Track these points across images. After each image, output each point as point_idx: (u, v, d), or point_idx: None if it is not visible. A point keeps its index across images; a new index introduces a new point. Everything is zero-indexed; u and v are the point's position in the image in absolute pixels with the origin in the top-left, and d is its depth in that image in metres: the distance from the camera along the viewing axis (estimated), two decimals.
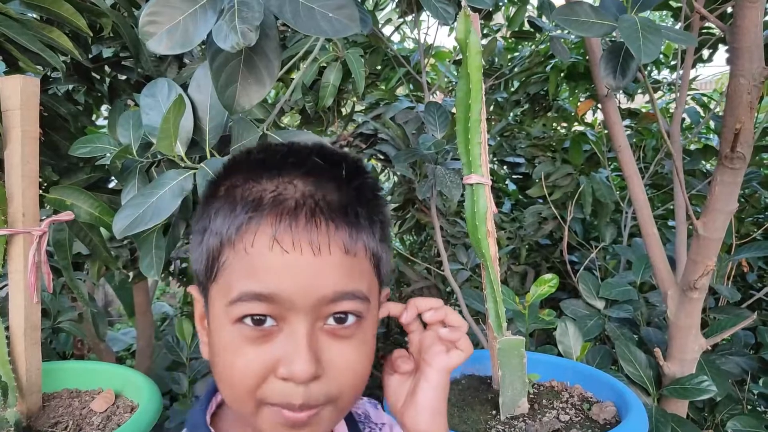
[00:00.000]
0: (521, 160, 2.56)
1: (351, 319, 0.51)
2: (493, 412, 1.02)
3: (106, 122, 2.09)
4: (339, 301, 0.49)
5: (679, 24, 1.56)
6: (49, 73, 1.36)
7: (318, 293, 0.48)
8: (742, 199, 2.20)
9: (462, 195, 1.38)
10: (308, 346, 0.48)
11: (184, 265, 3.01)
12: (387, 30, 2.65)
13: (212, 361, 0.53)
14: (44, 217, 1.06)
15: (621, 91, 2.34)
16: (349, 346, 0.51)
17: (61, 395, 1.07)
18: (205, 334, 0.56)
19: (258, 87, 0.79)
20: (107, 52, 1.54)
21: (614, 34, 1.72)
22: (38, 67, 1.17)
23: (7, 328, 0.99)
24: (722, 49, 2.17)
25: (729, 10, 1.62)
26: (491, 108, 2.66)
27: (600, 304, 1.62)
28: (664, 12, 2.89)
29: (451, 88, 2.82)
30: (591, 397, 1.06)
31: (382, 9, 2.42)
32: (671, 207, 2.22)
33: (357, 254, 0.51)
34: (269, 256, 0.48)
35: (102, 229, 1.30)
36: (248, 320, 0.49)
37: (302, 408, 0.49)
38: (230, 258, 0.50)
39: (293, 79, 1.64)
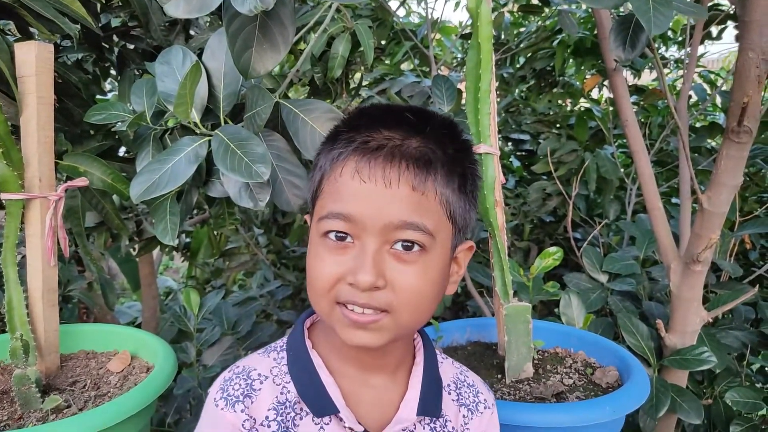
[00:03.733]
0: (526, 137, 2.57)
1: (415, 248, 0.60)
2: (499, 376, 1.05)
3: (110, 95, 2.10)
4: (404, 230, 0.59)
5: None
6: (59, 42, 1.36)
7: (385, 219, 0.59)
8: (746, 177, 2.20)
9: None
10: (372, 261, 0.59)
11: (188, 239, 3.03)
12: (392, 4, 2.64)
13: (306, 267, 0.65)
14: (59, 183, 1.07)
15: (628, 68, 2.34)
16: (411, 269, 0.60)
17: (78, 356, 1.10)
18: None
19: (273, 52, 0.80)
20: (115, 22, 1.54)
21: (621, 9, 1.71)
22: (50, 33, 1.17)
23: (25, 291, 1.02)
24: (731, 26, 2.16)
25: None
26: (497, 83, 2.65)
27: (603, 278, 1.64)
28: None
29: (456, 63, 2.81)
30: (594, 363, 1.09)
31: None
32: (675, 185, 2.23)
33: (426, 194, 0.60)
34: (351, 183, 0.60)
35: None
36: (332, 235, 0.61)
37: (364, 307, 0.60)
38: (326, 186, 0.63)
39: (302, 50, 1.65)
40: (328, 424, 0.65)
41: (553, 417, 0.86)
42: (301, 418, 0.65)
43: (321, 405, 0.64)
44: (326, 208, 0.61)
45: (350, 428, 0.64)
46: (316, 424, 0.65)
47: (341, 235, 0.60)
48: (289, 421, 0.64)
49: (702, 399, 1.54)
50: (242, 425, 0.63)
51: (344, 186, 0.60)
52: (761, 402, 1.44)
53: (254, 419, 0.64)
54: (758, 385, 1.69)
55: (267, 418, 0.64)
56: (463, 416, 0.72)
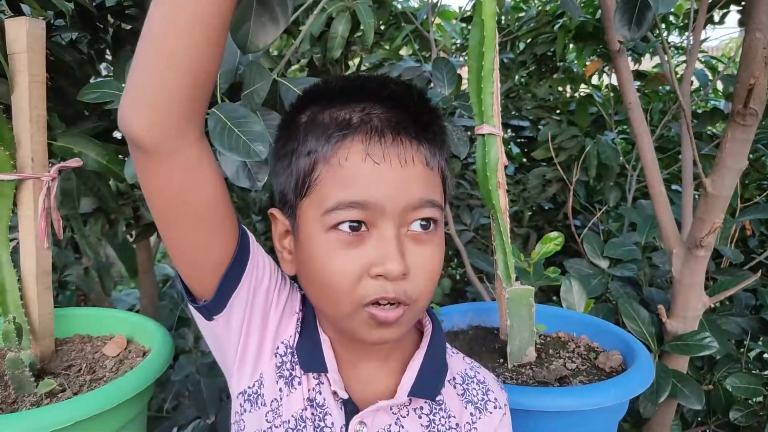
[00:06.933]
0: (526, 123, 2.55)
1: (431, 226, 0.58)
2: (501, 360, 1.03)
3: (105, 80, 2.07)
4: (422, 208, 0.56)
5: None
6: (52, 21, 1.33)
7: (405, 200, 0.55)
8: (747, 163, 2.18)
9: (469, 152, 1.37)
10: (398, 247, 0.55)
11: None
12: None
13: (303, 270, 0.60)
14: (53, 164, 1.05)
15: (629, 54, 2.31)
16: (429, 249, 0.58)
17: (73, 340, 1.08)
18: (287, 252, 0.63)
19: (272, 26, 0.78)
20: (110, 1, 1.51)
21: None
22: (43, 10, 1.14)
23: (18, 273, 1.00)
24: (734, 10, 2.14)
25: None
26: None
27: (604, 264, 1.63)
28: None
29: (455, 48, 2.78)
30: (597, 347, 1.08)
31: None
32: (675, 172, 2.21)
33: (434, 168, 0.58)
34: (362, 167, 0.54)
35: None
36: (343, 226, 0.55)
37: (395, 302, 0.55)
38: (324, 173, 0.56)
39: (300, 30, 1.62)
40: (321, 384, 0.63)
41: (557, 401, 0.85)
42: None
43: (311, 362, 0.62)
44: (332, 199, 0.55)
45: (335, 392, 0.61)
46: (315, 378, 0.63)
47: (355, 224, 0.55)
48: (290, 368, 0.63)
49: (702, 385, 1.54)
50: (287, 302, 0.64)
51: (354, 171, 0.54)
52: (761, 388, 1.44)
53: (283, 338, 0.63)
54: (755, 372, 1.69)
55: (281, 345, 0.63)
56: (470, 414, 0.66)
